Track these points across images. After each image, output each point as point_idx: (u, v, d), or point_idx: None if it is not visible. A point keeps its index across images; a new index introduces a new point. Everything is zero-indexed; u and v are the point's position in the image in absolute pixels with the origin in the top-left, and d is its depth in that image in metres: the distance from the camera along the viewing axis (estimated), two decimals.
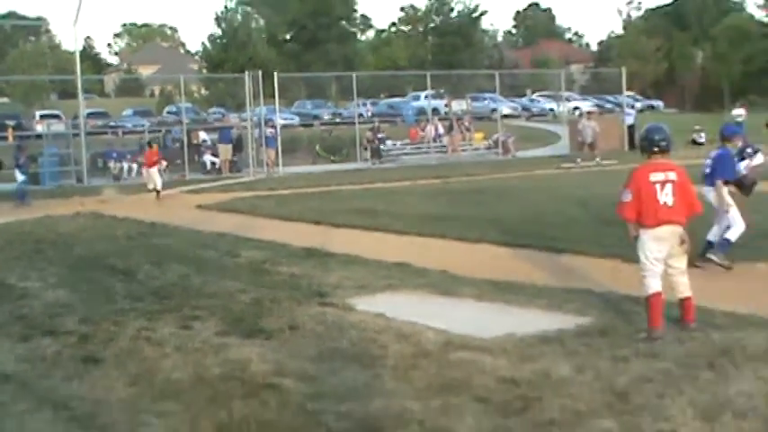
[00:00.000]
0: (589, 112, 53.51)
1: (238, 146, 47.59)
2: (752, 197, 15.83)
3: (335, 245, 17.76)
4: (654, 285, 10.18)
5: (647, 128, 10.95)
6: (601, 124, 47.25)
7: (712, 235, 14.38)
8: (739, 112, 54.42)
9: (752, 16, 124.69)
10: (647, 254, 10.25)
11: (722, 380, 8.23)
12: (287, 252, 17.46)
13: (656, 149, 10.32)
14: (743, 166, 14.91)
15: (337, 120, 65.86)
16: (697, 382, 8.16)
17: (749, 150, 17.73)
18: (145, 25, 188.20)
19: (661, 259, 10.22)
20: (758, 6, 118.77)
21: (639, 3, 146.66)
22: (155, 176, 32.77)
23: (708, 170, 14.31)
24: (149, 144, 37.25)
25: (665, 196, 10.06)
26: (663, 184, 10.08)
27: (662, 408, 7.48)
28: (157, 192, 32.93)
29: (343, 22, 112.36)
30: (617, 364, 8.82)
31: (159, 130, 56.83)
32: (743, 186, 14.23)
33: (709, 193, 14.06)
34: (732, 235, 14.15)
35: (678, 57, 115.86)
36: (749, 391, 7.84)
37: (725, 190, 13.89)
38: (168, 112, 72.12)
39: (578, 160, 43.93)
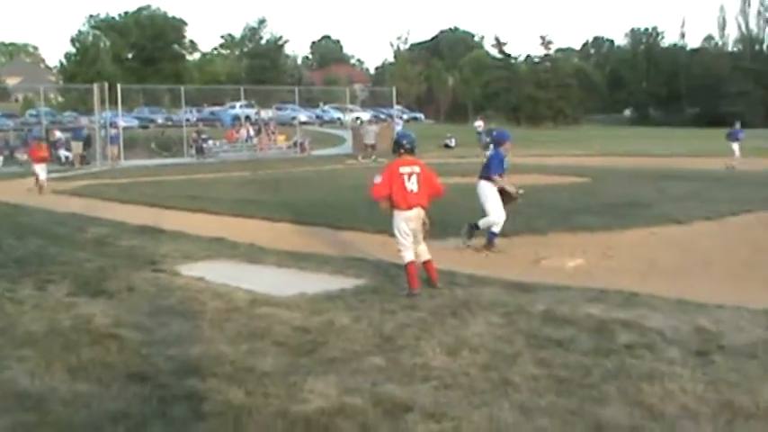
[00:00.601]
0: (370, 120, 54.23)
1: (88, 143, 46.19)
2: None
3: (166, 223, 17.43)
4: (408, 256, 10.45)
5: (398, 134, 11.52)
6: (377, 130, 47.83)
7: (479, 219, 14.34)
8: (479, 124, 56.21)
9: (488, 53, 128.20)
10: (401, 231, 10.53)
11: (462, 324, 8.48)
12: (126, 229, 17.04)
13: (402, 150, 10.72)
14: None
15: (169, 123, 64.45)
16: (444, 327, 8.39)
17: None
18: (12, 44, 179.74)
19: (411, 234, 10.49)
20: (492, 45, 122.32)
21: (407, 37, 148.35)
22: (38, 170, 28.62)
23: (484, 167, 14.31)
24: (37, 139, 34.90)
25: (412, 185, 10.42)
26: (409, 175, 10.44)
27: (418, 347, 7.64)
28: (39, 182, 28.37)
29: (175, 45, 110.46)
30: (385, 315, 8.96)
31: (22, 129, 55.52)
32: (504, 194, 14.35)
33: (484, 186, 14.12)
34: (484, 223, 14.16)
35: (435, 80, 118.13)
36: (481, 332, 8.11)
37: (499, 182, 14.06)
38: (30, 115, 69.18)
39: (360, 158, 44.33)
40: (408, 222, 10.48)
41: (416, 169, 10.52)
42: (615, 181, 27.64)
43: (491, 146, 18.52)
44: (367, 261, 12.69)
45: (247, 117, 58.26)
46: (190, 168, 38.56)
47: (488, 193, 14.09)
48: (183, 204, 21.79)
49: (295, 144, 52.66)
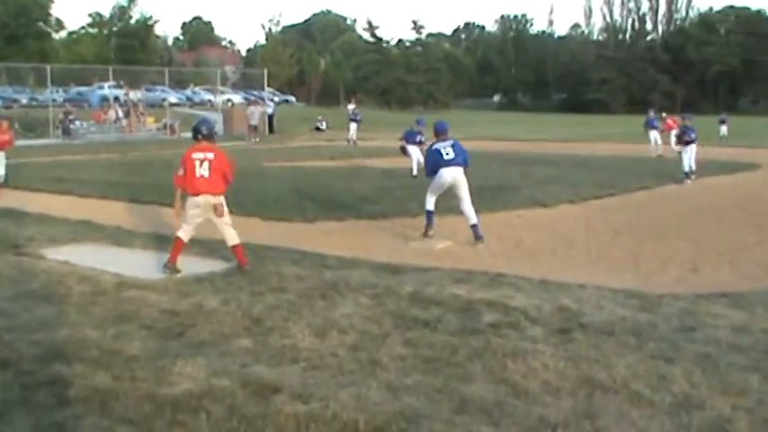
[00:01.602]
0: (254, 101, 53.84)
1: None
2: None
3: (31, 206, 16.89)
4: (181, 235, 10.62)
5: (197, 120, 11.50)
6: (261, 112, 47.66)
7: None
8: (352, 107, 56.30)
9: (360, 36, 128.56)
10: (188, 216, 10.62)
11: (331, 306, 8.55)
12: None
13: (200, 136, 10.75)
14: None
15: (34, 103, 62.30)
16: (312, 309, 8.44)
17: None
18: None
19: (196, 218, 10.61)
20: (364, 29, 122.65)
21: (279, 20, 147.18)
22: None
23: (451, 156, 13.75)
24: None
25: (203, 170, 10.42)
26: (201, 161, 10.45)
27: (287, 329, 7.67)
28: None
29: (40, 23, 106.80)
30: (254, 297, 8.95)
31: None
32: None
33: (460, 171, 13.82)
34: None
35: (307, 63, 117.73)
36: (350, 313, 8.21)
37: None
38: None
39: (248, 139, 43.92)
40: (195, 208, 10.57)
41: (210, 156, 10.50)
42: (483, 165, 28.07)
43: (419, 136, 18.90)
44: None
45: (116, 98, 56.77)
46: (56, 150, 37.39)
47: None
48: (49, 187, 21.15)
49: (165, 126, 51.66)
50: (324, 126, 57.58)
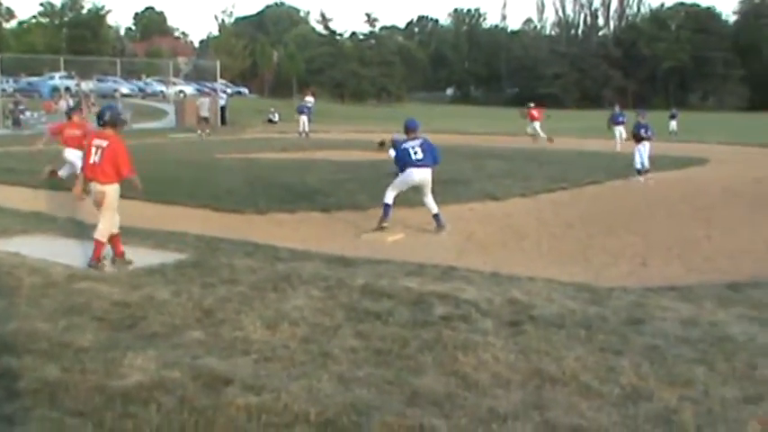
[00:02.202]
0: (205, 93, 53.38)
1: None
2: None
3: None
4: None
5: (102, 107, 11.44)
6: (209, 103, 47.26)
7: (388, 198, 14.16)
8: (309, 99, 56.19)
9: (313, 28, 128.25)
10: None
11: (283, 298, 8.54)
12: None
13: (102, 122, 10.64)
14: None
15: None
16: (264, 301, 8.42)
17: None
18: None
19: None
20: (318, 21, 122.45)
21: (232, 11, 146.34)
22: None
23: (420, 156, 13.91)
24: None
25: (95, 157, 10.37)
26: (97, 148, 10.39)
27: (238, 321, 7.64)
28: None
29: None
30: (206, 289, 8.90)
31: None
32: None
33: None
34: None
35: (260, 55, 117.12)
36: (301, 306, 8.20)
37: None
38: None
39: (199, 132, 43.29)
40: (91, 196, 10.65)
41: (103, 144, 10.41)
42: None
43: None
44: (188, 235, 12.56)
45: (67, 88, 56.09)
46: (6, 140, 36.75)
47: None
48: None
49: None
50: (276, 118, 57.36)
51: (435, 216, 13.92)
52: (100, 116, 10.71)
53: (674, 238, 13.73)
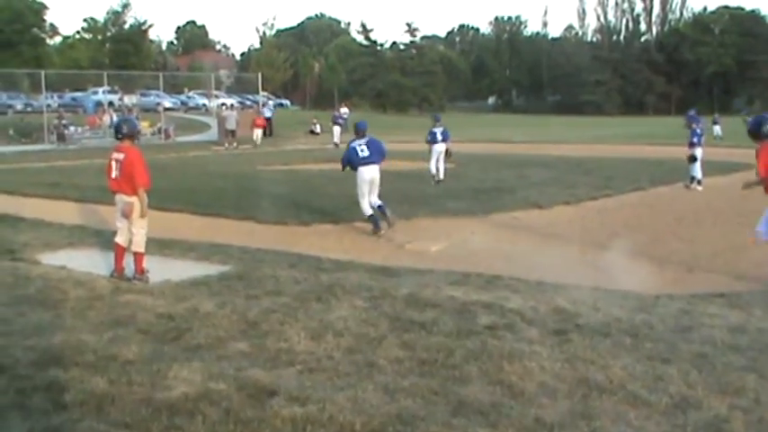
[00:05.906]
0: (231, 106, 53.64)
1: None
2: None
3: (26, 211, 16.83)
4: (118, 239, 10.73)
5: (117, 119, 11.61)
6: (244, 117, 47.47)
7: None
8: (345, 111, 56.52)
9: (354, 39, 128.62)
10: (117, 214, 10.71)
11: (327, 309, 8.54)
12: None
13: (119, 136, 10.72)
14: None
15: (29, 109, 62.29)
16: (309, 312, 8.42)
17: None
18: None
19: (120, 219, 10.67)
20: (358, 32, 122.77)
21: (273, 24, 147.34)
22: None
23: (366, 154, 14.65)
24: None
25: (116, 171, 10.46)
26: (116, 161, 10.47)
27: (283, 332, 7.64)
28: None
29: (35, 29, 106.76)
30: (250, 301, 8.93)
31: None
32: None
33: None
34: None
35: (301, 66, 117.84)
36: (345, 316, 8.19)
37: None
38: None
39: (226, 145, 43.70)
40: (117, 205, 10.68)
41: (120, 156, 10.48)
42: (479, 166, 28.21)
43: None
44: (232, 247, 12.62)
45: (110, 103, 56.89)
46: (51, 155, 37.30)
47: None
48: (44, 192, 21.07)
49: (159, 131, 51.67)
50: (318, 129, 57.59)
51: (380, 207, 14.48)
52: (117, 129, 10.78)
53: (720, 245, 13.56)
